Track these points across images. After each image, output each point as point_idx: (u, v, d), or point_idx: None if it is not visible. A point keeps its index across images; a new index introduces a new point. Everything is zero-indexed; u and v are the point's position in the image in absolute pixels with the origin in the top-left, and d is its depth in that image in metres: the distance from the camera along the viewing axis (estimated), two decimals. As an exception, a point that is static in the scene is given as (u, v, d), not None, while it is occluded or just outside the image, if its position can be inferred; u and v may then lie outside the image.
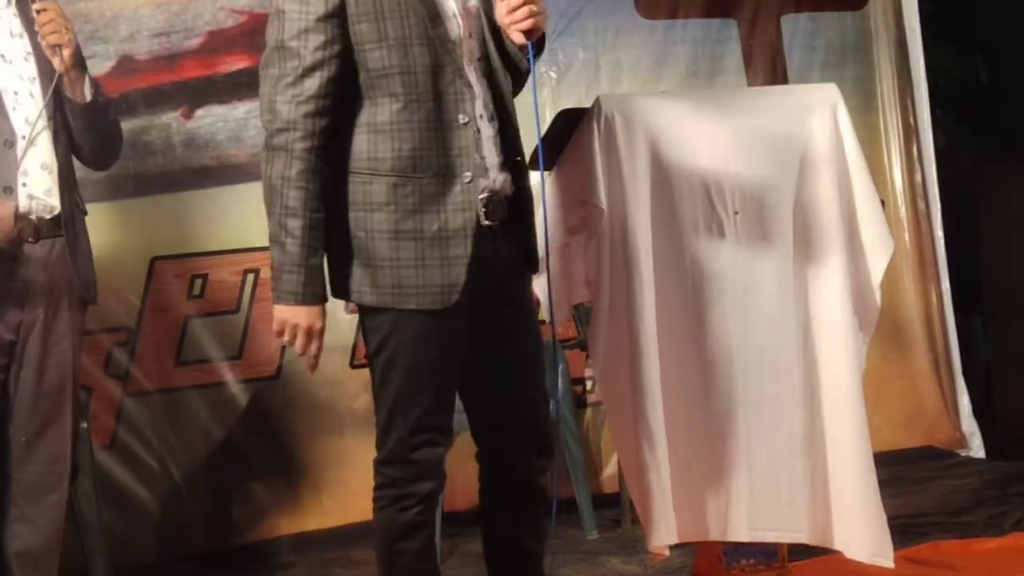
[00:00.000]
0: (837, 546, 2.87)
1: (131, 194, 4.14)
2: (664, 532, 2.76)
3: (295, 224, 2.39)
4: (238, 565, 4.12)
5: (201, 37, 4.25)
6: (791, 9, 5.21)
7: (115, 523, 3.98)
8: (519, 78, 2.62)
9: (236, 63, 4.31)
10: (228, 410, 4.27)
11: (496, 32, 2.52)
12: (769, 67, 5.13)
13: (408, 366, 2.45)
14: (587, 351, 3.43)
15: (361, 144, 2.44)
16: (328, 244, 2.46)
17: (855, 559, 2.83)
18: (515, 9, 2.46)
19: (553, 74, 4.94)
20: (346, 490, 4.50)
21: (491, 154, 2.49)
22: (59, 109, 2.97)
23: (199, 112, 4.26)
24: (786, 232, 2.90)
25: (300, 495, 4.39)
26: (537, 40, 2.51)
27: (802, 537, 2.92)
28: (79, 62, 2.98)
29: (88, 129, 3.01)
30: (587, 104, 3.01)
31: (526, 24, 2.46)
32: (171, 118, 4.22)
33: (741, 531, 2.87)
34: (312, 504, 4.42)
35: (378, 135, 2.42)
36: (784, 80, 5.06)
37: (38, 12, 2.91)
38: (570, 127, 2.99)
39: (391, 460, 2.48)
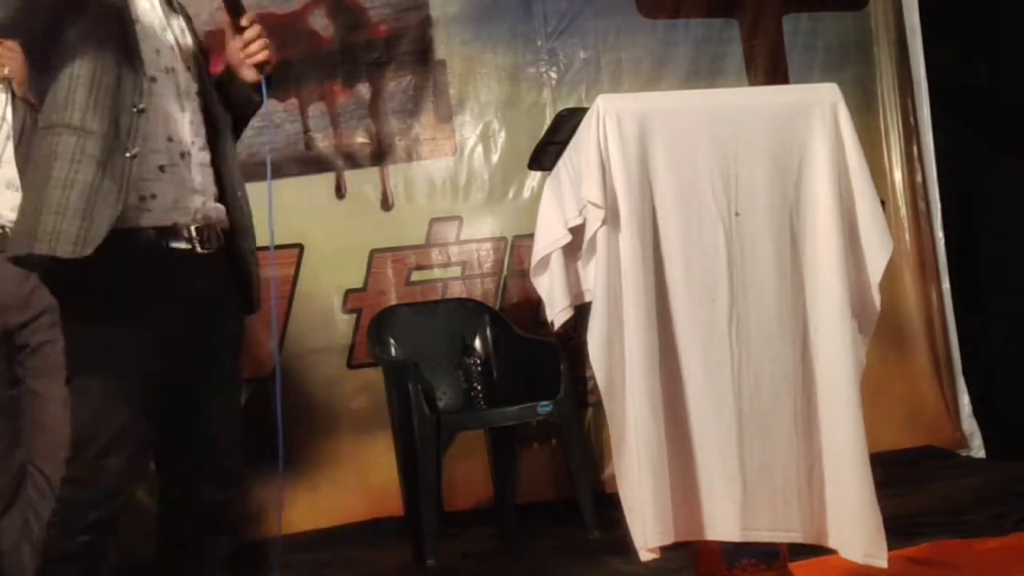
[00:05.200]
0: (831, 545, 2.85)
1: (131, 194, 4.13)
2: (661, 532, 2.75)
3: None
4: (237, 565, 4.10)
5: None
6: (792, 9, 5.22)
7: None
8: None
9: (236, 63, 4.30)
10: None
11: None
12: (770, 67, 5.13)
13: None
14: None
15: None
16: None
17: (848, 559, 2.82)
18: (252, 42, 2.65)
19: (553, 74, 4.94)
20: (343, 490, 4.50)
21: None
22: None
23: (198, 112, 4.25)
24: (786, 232, 2.89)
25: (297, 495, 4.38)
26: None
27: (796, 537, 2.90)
28: None
29: None
30: (587, 104, 3.00)
31: (262, 56, 2.64)
32: (171, 118, 4.21)
33: (734, 531, 2.86)
34: (309, 504, 4.42)
35: None
36: (785, 80, 5.07)
37: None
38: (570, 127, 2.99)
39: None
